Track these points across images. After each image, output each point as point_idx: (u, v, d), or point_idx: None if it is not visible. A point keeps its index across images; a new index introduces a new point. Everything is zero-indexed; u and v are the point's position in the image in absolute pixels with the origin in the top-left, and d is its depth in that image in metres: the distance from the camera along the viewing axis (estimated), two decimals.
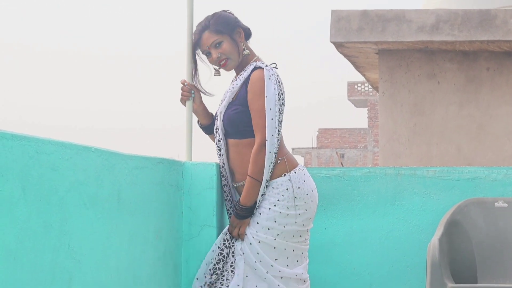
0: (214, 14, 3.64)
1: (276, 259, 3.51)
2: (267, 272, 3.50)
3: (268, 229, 3.50)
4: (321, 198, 4.14)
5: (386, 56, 7.93)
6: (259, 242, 3.50)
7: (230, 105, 3.61)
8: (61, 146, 2.41)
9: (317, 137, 44.82)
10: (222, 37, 3.60)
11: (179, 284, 3.71)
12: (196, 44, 3.68)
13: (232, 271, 3.52)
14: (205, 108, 3.82)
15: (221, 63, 3.63)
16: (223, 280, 3.53)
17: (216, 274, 3.54)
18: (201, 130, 3.84)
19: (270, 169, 3.50)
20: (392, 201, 4.25)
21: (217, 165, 3.74)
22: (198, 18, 3.70)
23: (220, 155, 3.66)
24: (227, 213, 3.71)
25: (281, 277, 3.52)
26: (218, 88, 3.78)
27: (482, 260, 4.06)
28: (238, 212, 3.52)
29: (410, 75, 7.87)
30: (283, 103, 3.56)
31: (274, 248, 3.51)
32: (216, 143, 3.67)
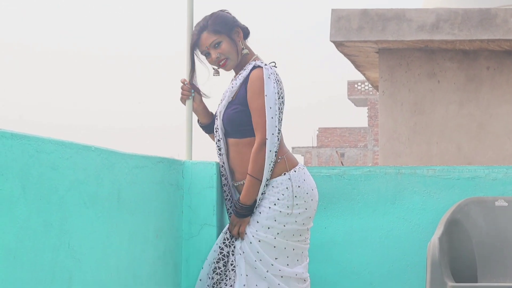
0: (212, 14, 3.64)
1: (276, 258, 3.51)
2: (267, 271, 3.49)
3: (268, 228, 3.50)
4: (321, 197, 4.14)
5: (386, 55, 7.92)
6: (259, 241, 3.50)
7: (229, 104, 3.61)
8: (61, 145, 2.41)
9: (317, 136, 44.80)
10: (221, 37, 3.59)
11: (179, 283, 3.71)
12: (194, 45, 3.68)
13: (233, 270, 3.51)
14: (205, 107, 3.81)
15: (220, 63, 3.62)
16: (226, 280, 3.52)
17: (217, 274, 3.53)
18: (201, 129, 3.84)
19: (270, 168, 3.49)
20: (392, 200, 4.24)
21: (217, 164, 3.73)
22: (198, 18, 3.70)
23: (220, 154, 3.66)
24: (227, 212, 3.71)
25: (281, 276, 3.52)
26: (217, 88, 3.79)
27: (482, 259, 4.06)
28: (238, 210, 3.52)
29: (410, 74, 7.87)
30: (283, 102, 3.56)
31: (274, 247, 3.51)
32: (216, 143, 3.67)
